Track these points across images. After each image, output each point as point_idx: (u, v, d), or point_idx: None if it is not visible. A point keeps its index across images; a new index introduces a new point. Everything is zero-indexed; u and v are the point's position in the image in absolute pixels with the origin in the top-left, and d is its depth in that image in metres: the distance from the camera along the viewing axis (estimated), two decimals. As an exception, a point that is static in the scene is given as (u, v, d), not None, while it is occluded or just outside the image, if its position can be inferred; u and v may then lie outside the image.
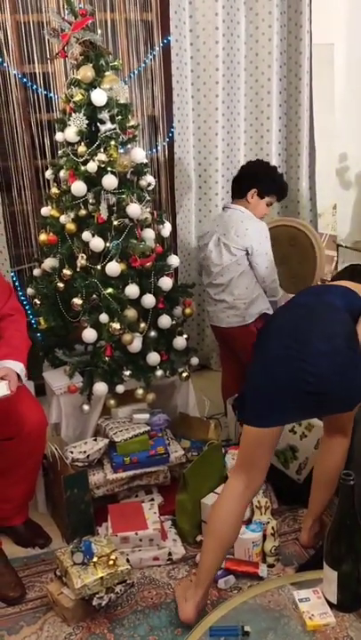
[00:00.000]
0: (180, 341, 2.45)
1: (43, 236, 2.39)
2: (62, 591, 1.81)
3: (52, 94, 2.89)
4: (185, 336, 2.48)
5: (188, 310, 2.51)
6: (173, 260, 2.46)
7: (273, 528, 1.99)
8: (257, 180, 2.58)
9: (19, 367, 2.07)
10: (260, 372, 1.67)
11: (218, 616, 1.29)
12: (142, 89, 3.03)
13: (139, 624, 1.78)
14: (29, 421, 2.01)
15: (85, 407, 2.33)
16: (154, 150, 3.12)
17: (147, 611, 1.83)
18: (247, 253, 2.52)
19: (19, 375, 2.06)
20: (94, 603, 1.75)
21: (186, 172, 3.19)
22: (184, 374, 2.47)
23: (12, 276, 2.92)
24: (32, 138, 2.91)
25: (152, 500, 2.23)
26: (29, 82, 2.84)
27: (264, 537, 2.01)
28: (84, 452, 2.20)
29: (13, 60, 2.78)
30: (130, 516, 2.07)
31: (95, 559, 1.81)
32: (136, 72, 3.00)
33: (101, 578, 1.77)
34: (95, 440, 2.27)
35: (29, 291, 2.54)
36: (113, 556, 1.82)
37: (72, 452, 2.18)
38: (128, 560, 1.94)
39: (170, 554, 2.03)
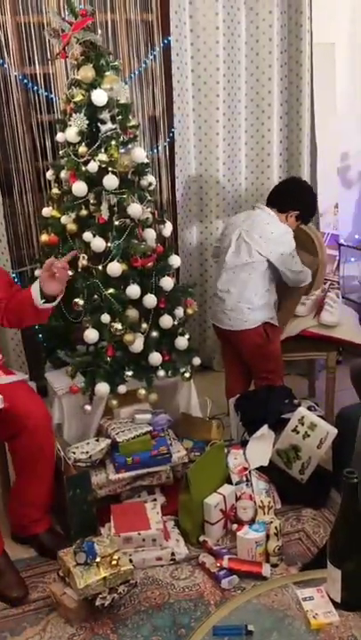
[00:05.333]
0: (181, 341, 2.44)
1: (44, 237, 2.39)
2: (65, 592, 1.81)
3: (52, 95, 2.89)
4: (187, 336, 2.47)
5: (189, 310, 2.51)
6: (175, 261, 2.45)
7: (276, 528, 1.99)
8: (304, 204, 2.64)
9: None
10: None
11: (221, 615, 1.29)
12: (143, 89, 3.03)
13: (142, 624, 1.78)
14: (33, 416, 2.01)
15: (87, 407, 2.32)
16: (155, 150, 3.13)
17: (150, 611, 1.83)
18: (267, 259, 2.51)
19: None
20: (97, 603, 1.74)
21: (187, 172, 3.19)
22: (186, 374, 2.47)
23: (14, 278, 2.92)
24: (33, 139, 2.92)
25: (155, 500, 2.23)
26: (30, 83, 2.85)
27: (267, 537, 2.00)
28: (87, 452, 2.19)
29: (14, 62, 2.79)
30: (133, 517, 2.07)
31: (98, 559, 1.80)
32: (137, 72, 3.00)
33: (104, 578, 1.76)
34: (97, 440, 2.26)
35: (31, 291, 2.54)
36: (116, 557, 1.81)
37: (74, 453, 2.18)
38: (131, 560, 1.93)
39: (173, 554, 2.02)
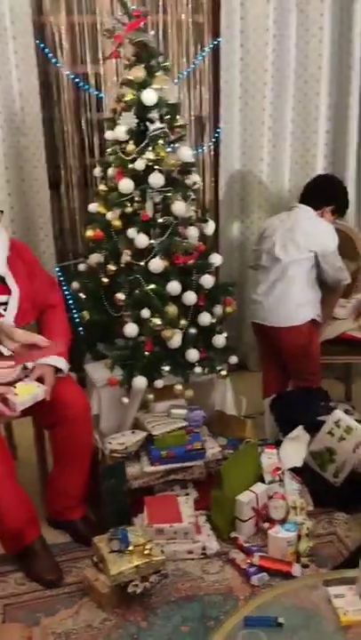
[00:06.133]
0: (219, 339, 2.46)
1: (89, 232, 2.45)
2: (98, 577, 1.86)
3: (101, 94, 2.96)
4: (224, 334, 2.49)
5: (228, 309, 2.52)
6: (216, 259, 2.48)
7: (308, 529, 1.99)
8: (337, 199, 2.66)
9: (59, 362, 2.14)
10: None
11: (252, 607, 1.31)
12: (190, 90, 3.07)
13: (172, 614, 1.81)
14: (74, 406, 2.07)
15: (125, 400, 2.37)
16: (199, 150, 3.16)
17: (180, 602, 1.86)
18: (315, 255, 2.52)
19: (58, 369, 2.13)
20: (129, 590, 1.79)
21: (230, 173, 3.21)
22: (223, 372, 2.49)
23: (58, 272, 3.00)
24: (81, 137, 3.00)
25: (187, 494, 2.26)
26: (81, 82, 2.92)
27: (299, 537, 2.01)
28: (123, 443, 2.24)
29: (67, 61, 2.87)
30: (165, 509, 2.11)
31: (131, 548, 1.85)
32: (185, 73, 3.04)
33: (137, 566, 1.81)
34: (133, 432, 2.31)
35: (74, 285, 2.61)
36: (148, 546, 1.85)
37: (110, 443, 2.23)
38: (162, 551, 1.96)
39: (204, 548, 2.05)
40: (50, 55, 2.88)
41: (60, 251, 3.06)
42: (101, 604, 1.84)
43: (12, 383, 1.95)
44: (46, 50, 2.87)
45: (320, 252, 2.52)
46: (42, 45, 2.84)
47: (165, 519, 2.05)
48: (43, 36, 2.85)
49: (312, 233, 2.52)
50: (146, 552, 1.83)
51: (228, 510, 2.12)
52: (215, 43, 3.02)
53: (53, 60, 2.86)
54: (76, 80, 2.92)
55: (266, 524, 2.11)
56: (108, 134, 2.35)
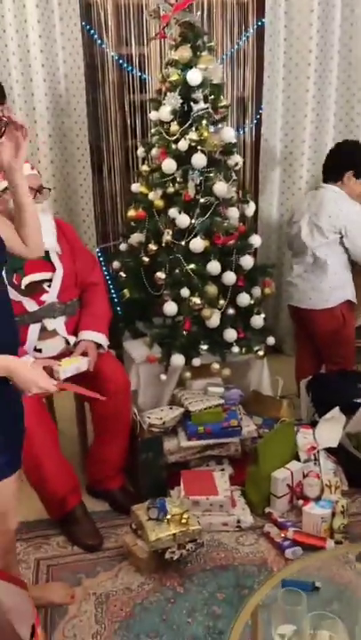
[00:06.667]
0: (257, 320, 2.49)
1: (131, 212, 2.50)
2: (137, 543, 1.93)
3: (145, 76, 2.99)
4: (262, 315, 2.52)
5: (267, 290, 2.55)
6: (255, 240, 2.50)
7: (343, 506, 2.02)
8: (354, 161, 2.57)
9: (100, 338, 2.21)
10: None
11: (290, 572, 1.35)
12: (234, 70, 3.07)
13: (207, 581, 1.87)
14: (114, 380, 2.14)
15: (163, 377, 2.43)
16: (241, 131, 3.16)
17: (215, 571, 1.92)
18: (341, 236, 2.52)
19: (99, 344, 2.20)
20: (167, 556, 1.85)
21: (271, 155, 3.20)
22: (260, 353, 2.52)
23: (98, 253, 3.07)
24: (124, 118, 3.03)
25: (223, 470, 2.31)
26: (125, 63, 2.95)
27: (333, 514, 2.03)
28: (160, 418, 2.30)
29: (111, 42, 2.90)
30: (202, 483, 2.16)
31: (169, 516, 1.91)
32: (229, 53, 3.03)
33: (174, 534, 1.87)
34: (171, 408, 2.37)
35: (115, 264, 2.67)
36: (185, 516, 1.91)
37: (149, 418, 2.29)
38: (198, 522, 2.02)
39: (239, 521, 2.10)
40: (95, 37, 2.92)
41: (100, 232, 3.12)
42: (140, 569, 1.91)
43: (57, 358, 2.05)
44: (92, 31, 2.90)
45: (343, 232, 2.51)
46: (87, 27, 2.88)
47: (202, 492, 2.11)
48: (89, 18, 2.89)
49: (335, 215, 2.50)
50: (183, 521, 1.90)
51: (264, 486, 2.16)
52: (259, 23, 3.00)
53: (99, 42, 2.90)
54: (120, 61, 2.95)
55: (300, 502, 2.14)
56: (153, 114, 2.39)
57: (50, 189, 2.17)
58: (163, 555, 1.87)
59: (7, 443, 1.41)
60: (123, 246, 2.68)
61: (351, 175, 2.56)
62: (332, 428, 2.37)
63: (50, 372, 1.74)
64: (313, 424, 2.44)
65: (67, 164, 3.01)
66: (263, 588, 1.26)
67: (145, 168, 2.47)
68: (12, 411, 1.44)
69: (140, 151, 2.54)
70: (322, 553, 1.52)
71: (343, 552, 1.51)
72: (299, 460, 2.27)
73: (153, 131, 2.41)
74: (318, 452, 2.30)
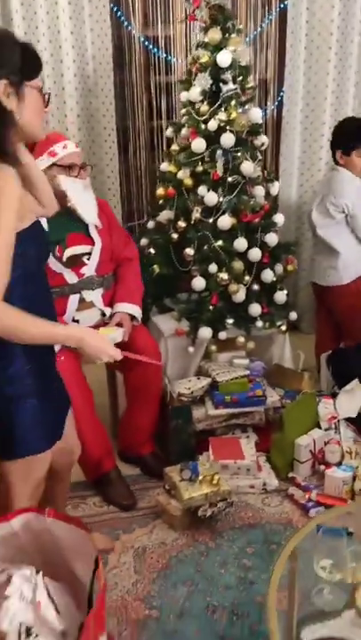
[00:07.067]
0: (280, 296, 2.59)
1: (160, 191, 2.58)
2: (170, 502, 2.05)
3: (170, 57, 3.05)
4: (285, 291, 2.62)
5: (290, 267, 2.64)
6: (279, 218, 2.58)
7: (364, 470, 2.13)
8: (335, 142, 2.69)
9: (135, 310, 2.31)
10: None
11: (325, 518, 1.47)
12: (257, 52, 3.12)
13: (237, 538, 2.00)
14: (146, 351, 2.24)
15: (190, 349, 2.53)
16: (263, 113, 3.21)
17: (244, 528, 2.04)
18: (346, 215, 2.60)
19: (133, 317, 2.30)
20: (199, 513, 1.98)
21: (292, 136, 3.27)
22: (282, 327, 2.62)
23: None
24: (150, 99, 3.10)
25: (248, 437, 2.42)
26: (151, 45, 3.02)
27: (354, 478, 2.15)
28: (189, 388, 2.41)
29: (138, 24, 2.96)
30: (229, 448, 2.28)
31: (201, 477, 2.03)
32: (252, 36, 3.09)
33: (206, 494, 1.99)
34: (198, 379, 2.48)
35: (143, 241, 2.76)
36: (216, 477, 2.03)
37: (177, 388, 2.40)
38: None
39: (264, 484, 2.22)
40: (122, 19, 2.98)
41: (125, 211, 3.21)
42: (173, 526, 2.04)
43: (94, 327, 2.16)
44: (119, 13, 2.97)
45: (346, 209, 2.60)
46: (115, 9, 2.94)
47: (229, 456, 2.23)
48: (117, 0, 2.95)
49: (339, 194, 2.59)
50: (214, 482, 2.02)
51: (288, 452, 2.28)
52: (282, 6, 3.06)
53: (126, 24, 2.96)
54: (146, 43, 3.01)
55: (322, 467, 2.26)
56: (183, 95, 2.46)
57: (92, 167, 2.26)
58: (195, 513, 1.99)
59: (54, 413, 1.50)
60: (150, 224, 2.77)
61: (341, 154, 2.65)
62: (351, 399, 2.48)
63: None
64: (333, 395, 2.54)
65: (93, 144, 3.09)
66: (301, 531, 1.37)
67: (174, 147, 2.54)
68: (59, 384, 1.54)
69: (169, 131, 2.62)
70: (350, 505, 1.63)
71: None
72: (320, 428, 2.39)
73: (183, 111, 2.49)
74: (338, 421, 2.42)
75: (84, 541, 1.34)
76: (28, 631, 1.05)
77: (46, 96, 1.37)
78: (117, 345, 2.13)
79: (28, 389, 1.38)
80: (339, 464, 2.25)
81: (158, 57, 3.04)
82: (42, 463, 1.45)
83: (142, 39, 2.98)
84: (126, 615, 1.71)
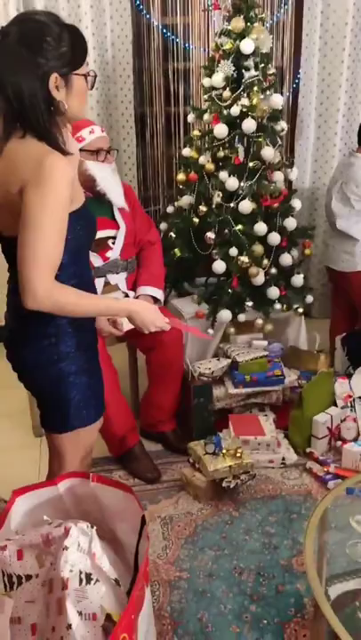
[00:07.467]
0: (297, 279, 2.66)
1: (181, 176, 2.65)
2: (195, 474, 2.14)
3: (188, 44, 3.10)
4: (302, 275, 2.69)
5: (307, 251, 2.72)
6: (297, 203, 2.65)
7: (380, 445, 2.22)
8: None
9: (158, 293, 2.39)
10: None
11: (353, 481, 1.56)
12: (273, 41, 3.16)
13: (259, 507, 2.09)
14: (168, 333, 2.31)
15: (210, 331, 2.61)
16: (281, 100, 3.28)
17: (265, 499, 2.14)
18: None
19: (156, 299, 2.38)
20: (224, 484, 2.07)
21: (306, 123, 3.33)
22: (299, 310, 2.70)
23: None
24: (167, 86, 3.16)
25: (266, 415, 2.51)
26: (168, 32, 3.07)
27: (370, 453, 2.24)
28: (209, 368, 2.49)
29: (157, 12, 3.01)
30: (249, 425, 2.37)
31: (224, 451, 2.12)
32: (268, 24, 3.14)
33: (230, 466, 2.08)
34: (218, 360, 2.56)
35: (163, 226, 2.83)
36: (239, 450, 2.12)
37: (199, 368, 2.49)
38: (249, 458, 2.23)
39: (283, 459, 2.31)
40: (141, 7, 3.03)
41: (142, 197, 3.27)
42: (198, 497, 2.13)
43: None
44: (137, 1, 3.01)
45: None
46: (135, -2, 2.99)
47: (250, 432, 2.32)
48: (137, -12, 3.00)
49: (360, 183, 2.64)
50: (238, 455, 2.10)
51: (306, 428, 2.37)
52: (299, -6, 3.11)
53: (144, 12, 3.01)
54: (164, 31, 3.06)
55: (338, 442, 2.35)
56: (205, 81, 2.52)
57: (117, 150, 2.31)
58: (220, 484, 2.08)
59: (100, 387, 1.58)
60: (169, 209, 2.83)
61: None
62: (366, 379, 2.56)
63: (113, 323, 1.90)
64: (348, 375, 2.63)
65: (111, 130, 3.14)
66: (331, 493, 1.45)
67: (196, 133, 2.60)
68: (97, 361, 1.61)
69: (191, 117, 2.68)
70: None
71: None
72: (337, 406, 2.47)
73: (205, 97, 2.55)
74: (354, 399, 2.50)
75: (127, 503, 1.42)
76: (88, 577, 1.14)
77: (90, 79, 1.38)
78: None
79: (79, 366, 1.45)
80: (355, 440, 2.35)
81: (176, 44, 3.09)
82: (90, 433, 1.53)
83: (160, 27, 3.03)
84: (158, 577, 1.80)
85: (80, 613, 1.10)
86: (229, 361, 2.53)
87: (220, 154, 2.50)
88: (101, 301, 1.41)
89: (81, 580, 1.13)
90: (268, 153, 2.44)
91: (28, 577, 1.19)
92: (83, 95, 1.39)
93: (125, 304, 1.50)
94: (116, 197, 2.25)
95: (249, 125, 2.40)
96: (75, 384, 1.44)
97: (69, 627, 1.08)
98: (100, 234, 2.26)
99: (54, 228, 1.26)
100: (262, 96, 2.44)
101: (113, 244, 2.30)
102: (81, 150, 2.17)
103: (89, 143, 2.18)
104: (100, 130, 2.22)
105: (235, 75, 2.43)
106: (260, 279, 2.54)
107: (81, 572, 1.14)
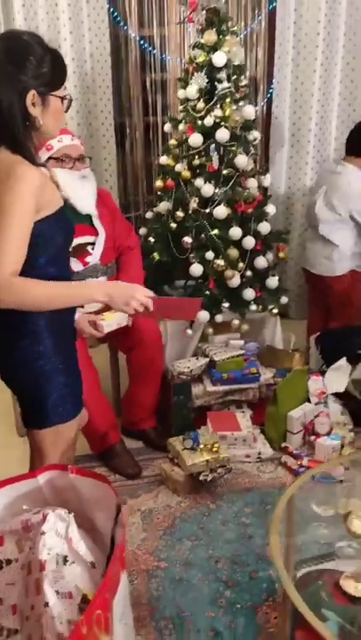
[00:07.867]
0: (272, 281, 2.76)
1: (159, 183, 2.75)
2: (174, 469, 2.23)
3: (164, 56, 3.21)
4: (277, 277, 2.79)
5: (281, 254, 2.82)
6: (270, 208, 2.76)
7: (351, 438, 2.32)
8: (353, 147, 2.77)
9: None
10: None
11: (318, 470, 1.65)
12: (247, 51, 3.29)
13: (235, 500, 2.18)
14: (148, 332, 2.41)
15: (189, 331, 2.70)
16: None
17: (241, 492, 2.23)
18: (352, 217, 2.76)
19: None
20: (201, 478, 2.15)
21: (281, 132, 3.45)
22: (274, 311, 2.80)
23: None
24: (145, 97, 3.26)
25: (243, 412, 2.60)
26: (145, 44, 3.17)
27: (342, 446, 2.34)
28: (188, 367, 2.58)
29: (134, 25, 3.12)
30: (226, 421, 2.46)
31: (202, 446, 2.20)
32: (242, 35, 3.26)
33: (207, 460, 2.17)
34: (197, 359, 2.65)
35: (142, 231, 2.92)
36: (216, 445, 2.21)
37: (178, 367, 2.57)
38: (226, 453, 2.32)
39: (259, 453, 2.41)
40: (118, 19, 3.13)
41: (122, 204, 3.36)
42: (177, 490, 2.21)
43: (99, 312, 2.31)
44: (115, 13, 3.11)
45: (356, 212, 2.74)
46: (112, 9, 3.08)
47: (227, 428, 2.41)
48: (114, 0, 3.09)
49: (348, 195, 2.73)
50: (214, 449, 2.19)
51: (281, 424, 2.47)
52: (271, 7, 3.22)
53: (121, 24, 3.11)
54: (141, 42, 3.16)
55: (312, 437, 2.45)
56: (180, 93, 2.62)
57: (90, 158, 2.39)
58: (197, 478, 2.17)
59: (78, 385, 1.64)
60: (149, 214, 2.93)
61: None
62: (339, 376, 2.67)
63: (94, 325, 1.98)
64: (322, 373, 2.73)
65: (91, 139, 3.24)
66: (298, 480, 1.55)
67: (173, 142, 2.70)
68: (76, 359, 1.68)
69: (168, 127, 2.78)
70: (341, 457, 1.82)
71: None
72: (310, 402, 2.57)
73: (180, 108, 2.65)
74: (327, 396, 2.60)
75: (106, 494, 1.50)
76: (65, 559, 1.22)
77: (66, 102, 1.47)
78: (121, 330, 2.31)
79: (57, 365, 1.52)
80: (328, 434, 2.44)
81: (153, 55, 3.19)
82: (70, 429, 1.61)
83: (138, 39, 3.13)
84: (137, 566, 1.88)
85: (57, 592, 1.18)
86: (207, 360, 2.62)
87: (196, 162, 2.60)
88: (74, 289, 1.45)
89: (57, 562, 1.21)
90: (242, 161, 2.55)
91: (9, 561, 1.27)
92: (58, 115, 1.46)
93: (98, 285, 1.55)
94: (81, 203, 2.28)
95: (222, 135, 2.50)
96: (53, 382, 1.52)
97: (47, 604, 1.16)
98: (79, 240, 2.35)
99: (20, 232, 1.32)
100: (235, 107, 2.54)
101: (92, 249, 2.39)
102: (50, 158, 2.24)
103: (56, 151, 2.23)
104: (69, 138, 2.26)
105: (208, 86, 2.54)
106: (235, 281, 2.64)
107: (58, 555, 1.22)
